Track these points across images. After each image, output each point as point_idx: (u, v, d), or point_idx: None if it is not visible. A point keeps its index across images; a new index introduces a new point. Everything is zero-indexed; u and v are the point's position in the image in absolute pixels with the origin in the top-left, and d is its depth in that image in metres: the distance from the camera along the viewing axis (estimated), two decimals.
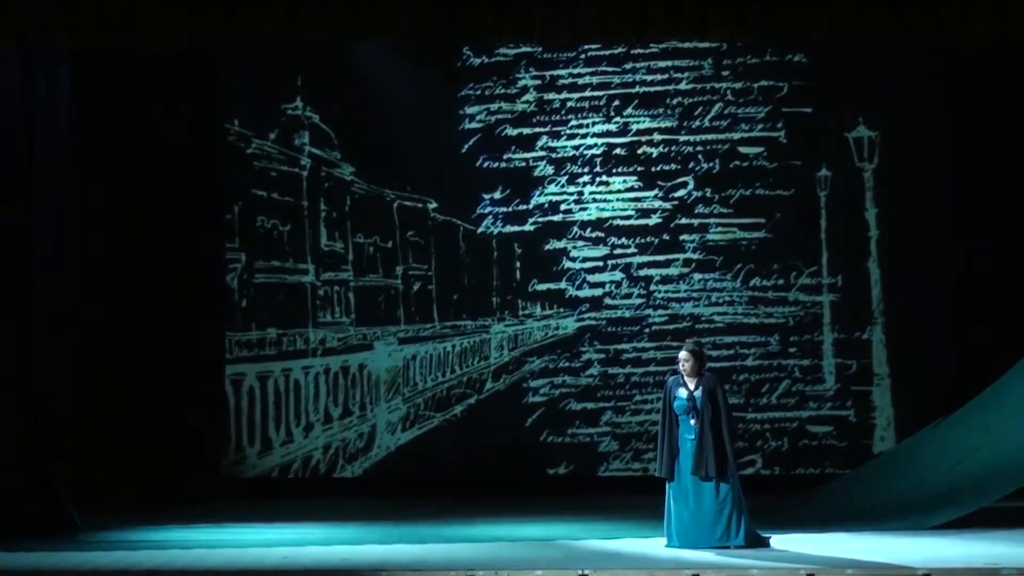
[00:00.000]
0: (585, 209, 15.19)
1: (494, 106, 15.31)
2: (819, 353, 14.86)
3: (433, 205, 15.38)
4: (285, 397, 15.17)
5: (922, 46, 14.20)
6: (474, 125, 15.29)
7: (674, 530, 10.69)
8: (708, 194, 15.04)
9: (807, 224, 14.91)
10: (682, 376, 10.75)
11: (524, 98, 15.30)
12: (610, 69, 15.20)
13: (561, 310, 15.21)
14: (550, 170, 15.24)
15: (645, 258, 15.07)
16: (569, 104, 15.26)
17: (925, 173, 14.75)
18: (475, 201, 15.30)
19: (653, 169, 15.13)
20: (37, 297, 12.40)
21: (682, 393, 10.70)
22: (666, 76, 15.14)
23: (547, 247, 15.24)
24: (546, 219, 15.24)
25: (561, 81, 15.27)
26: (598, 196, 15.18)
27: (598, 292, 15.15)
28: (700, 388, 10.66)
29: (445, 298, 15.36)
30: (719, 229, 15.01)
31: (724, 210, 15.01)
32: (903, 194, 14.72)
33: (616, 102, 15.19)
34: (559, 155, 15.24)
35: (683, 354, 10.78)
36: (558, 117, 15.26)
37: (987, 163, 14.45)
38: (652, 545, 10.89)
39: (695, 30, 11.26)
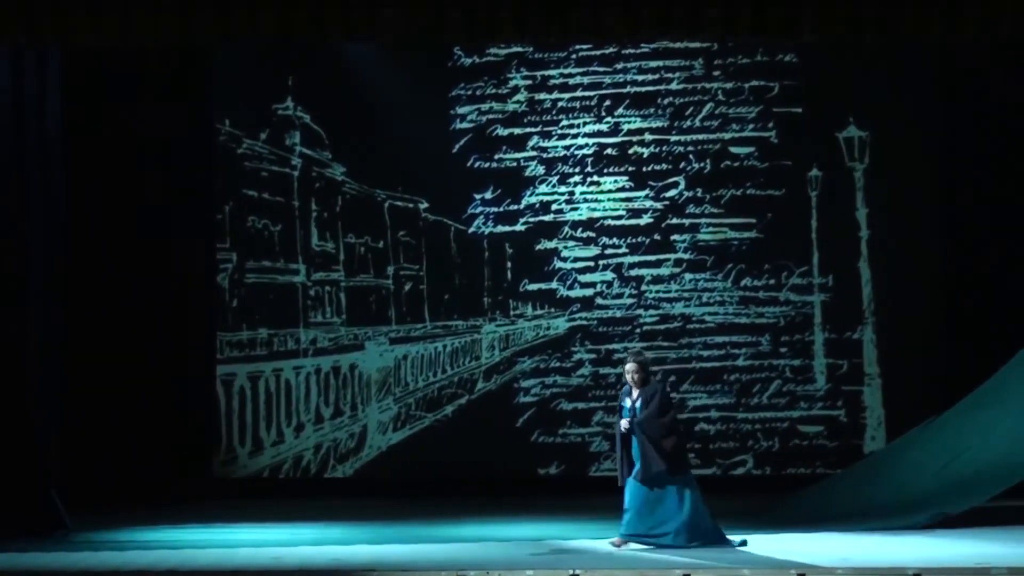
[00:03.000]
0: (576, 209, 15.19)
1: (485, 106, 15.31)
2: (810, 353, 14.87)
3: (424, 205, 15.38)
4: (276, 397, 15.16)
5: (912, 46, 14.21)
6: (465, 125, 15.29)
7: (625, 526, 10.80)
8: (699, 194, 15.04)
9: (798, 224, 14.92)
10: (631, 387, 10.89)
11: (515, 98, 15.29)
12: (601, 69, 15.20)
13: (552, 310, 15.21)
14: (541, 170, 15.24)
15: (636, 258, 15.08)
16: (560, 104, 15.26)
17: (915, 173, 14.76)
18: (466, 201, 15.30)
19: (644, 169, 15.13)
20: (29, 298, 12.39)
21: (627, 403, 10.91)
22: (657, 76, 15.14)
23: (538, 247, 15.23)
24: (537, 219, 15.24)
25: (552, 81, 15.27)
26: (589, 196, 15.18)
27: (589, 292, 15.15)
28: (640, 398, 10.82)
29: (436, 298, 15.36)
30: (710, 229, 15.01)
31: (715, 210, 15.02)
32: (894, 194, 14.73)
33: (607, 102, 15.19)
34: (550, 155, 15.24)
35: (629, 366, 10.96)
36: (549, 117, 15.26)
37: (977, 163, 14.47)
38: (643, 545, 10.89)
39: (686, 30, 11.26)
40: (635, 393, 10.88)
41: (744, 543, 10.76)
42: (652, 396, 10.81)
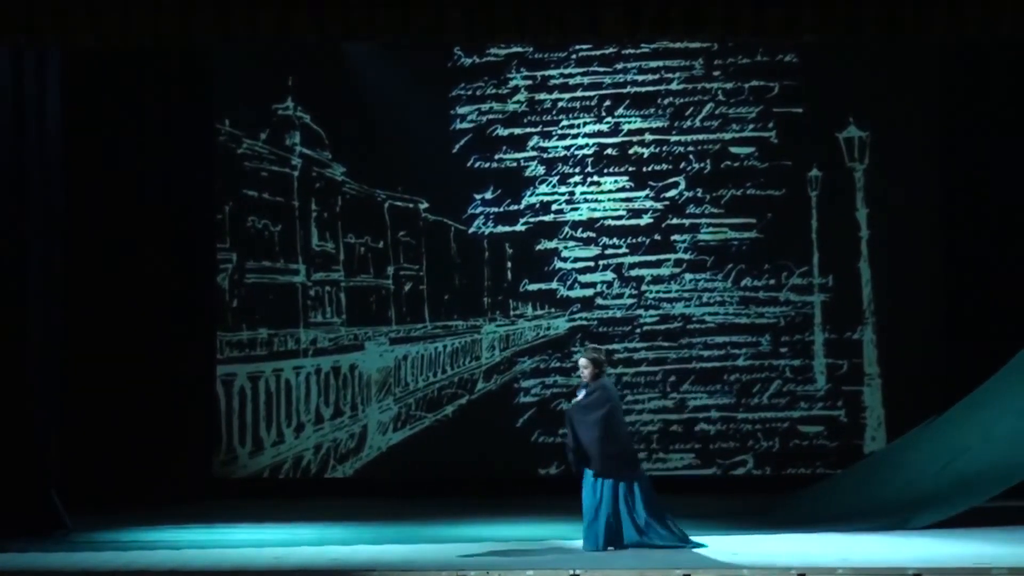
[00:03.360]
0: (576, 209, 15.19)
1: (485, 106, 15.30)
2: (810, 353, 14.87)
3: (424, 205, 15.38)
4: (276, 397, 15.15)
5: (913, 46, 14.21)
6: (465, 125, 15.28)
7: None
8: (699, 194, 15.04)
9: (798, 224, 14.92)
10: (584, 383, 11.06)
11: (515, 98, 15.29)
12: (601, 69, 15.20)
13: (552, 310, 15.21)
14: (541, 170, 15.24)
15: (636, 258, 15.07)
16: (560, 104, 15.25)
17: (915, 173, 14.76)
18: (466, 201, 15.29)
19: (644, 169, 15.13)
20: (28, 297, 12.38)
21: (579, 395, 11.03)
22: (657, 76, 15.14)
23: (538, 247, 15.23)
24: (537, 219, 15.24)
25: (552, 81, 15.27)
26: (589, 196, 15.18)
27: (589, 292, 15.15)
28: (586, 395, 10.93)
29: (436, 298, 15.36)
30: (710, 229, 15.01)
31: (715, 210, 15.02)
32: (894, 194, 14.73)
33: (607, 102, 15.19)
34: (550, 155, 15.23)
35: (582, 361, 11.09)
36: (549, 117, 15.25)
37: (977, 163, 14.47)
38: (644, 545, 10.89)
39: (686, 30, 11.25)
40: (586, 389, 11.02)
41: (703, 546, 10.79)
42: (592, 392, 10.92)
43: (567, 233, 15.19)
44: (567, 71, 15.24)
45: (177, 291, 14.91)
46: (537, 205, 15.24)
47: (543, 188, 15.23)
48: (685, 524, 11.05)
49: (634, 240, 15.08)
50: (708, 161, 15.04)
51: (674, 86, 15.12)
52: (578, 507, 10.93)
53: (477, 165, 15.29)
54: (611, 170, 15.16)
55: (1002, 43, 12.79)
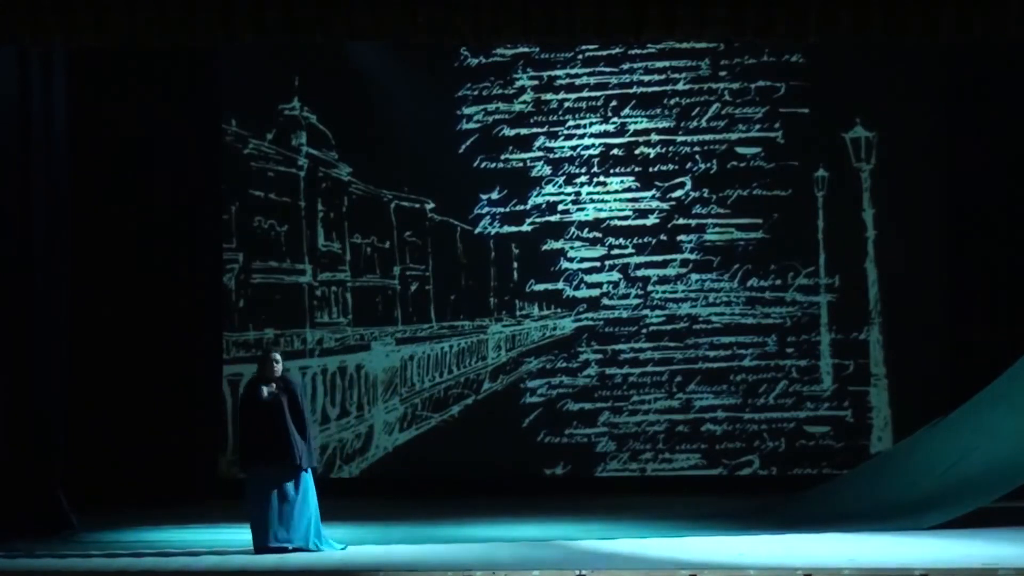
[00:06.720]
0: (583, 209, 15.19)
1: (492, 106, 15.31)
2: (816, 353, 14.87)
3: (431, 205, 15.38)
4: None
5: (919, 47, 14.19)
6: (472, 125, 15.29)
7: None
8: (705, 194, 15.04)
9: (804, 224, 14.92)
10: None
11: (521, 98, 15.30)
12: (607, 69, 15.20)
13: (559, 310, 15.21)
14: (547, 170, 15.24)
15: (642, 258, 15.08)
16: (567, 104, 15.26)
17: (922, 173, 14.76)
18: (473, 201, 15.30)
19: (650, 169, 15.13)
20: (35, 298, 12.39)
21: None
22: (663, 76, 15.14)
23: (544, 247, 15.23)
24: (543, 219, 15.24)
25: (559, 81, 15.27)
26: (595, 196, 15.18)
27: (595, 292, 15.15)
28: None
29: (442, 298, 15.36)
30: (716, 229, 15.01)
31: (721, 210, 15.02)
32: (900, 194, 14.73)
33: (613, 102, 15.19)
34: (556, 155, 15.24)
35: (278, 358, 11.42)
36: (555, 117, 15.26)
37: (983, 163, 14.46)
38: (649, 545, 10.90)
39: (692, 30, 11.25)
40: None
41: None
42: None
43: (573, 233, 15.19)
44: (573, 71, 15.24)
45: (184, 291, 14.92)
46: (543, 205, 15.25)
47: (549, 188, 15.23)
48: (691, 524, 11.03)
49: (640, 240, 15.08)
50: (714, 161, 15.04)
51: (680, 86, 15.12)
52: (582, 507, 10.93)
53: (483, 165, 15.29)
54: (617, 170, 15.17)
55: (1009, 44, 12.75)
